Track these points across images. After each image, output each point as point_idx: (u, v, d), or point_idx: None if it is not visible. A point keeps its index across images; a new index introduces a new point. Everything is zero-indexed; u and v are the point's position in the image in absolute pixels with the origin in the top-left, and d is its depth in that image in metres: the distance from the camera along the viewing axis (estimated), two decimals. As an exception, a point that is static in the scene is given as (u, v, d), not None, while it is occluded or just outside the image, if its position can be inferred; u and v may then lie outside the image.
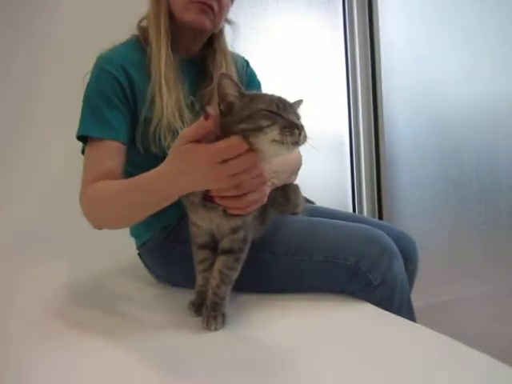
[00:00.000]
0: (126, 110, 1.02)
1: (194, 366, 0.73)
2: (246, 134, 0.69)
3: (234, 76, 1.16)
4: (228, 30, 1.20)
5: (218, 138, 0.70)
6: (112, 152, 0.99)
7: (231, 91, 0.73)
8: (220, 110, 0.73)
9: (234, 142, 0.68)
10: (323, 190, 2.05)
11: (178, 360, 0.75)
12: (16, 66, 1.58)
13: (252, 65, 1.31)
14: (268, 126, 0.69)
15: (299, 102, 0.82)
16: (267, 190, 0.87)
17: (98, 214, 0.95)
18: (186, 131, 0.72)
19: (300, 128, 0.71)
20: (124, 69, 1.02)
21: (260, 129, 0.69)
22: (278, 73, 1.91)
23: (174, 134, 1.01)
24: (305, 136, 0.73)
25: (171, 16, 1.07)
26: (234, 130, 0.70)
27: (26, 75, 1.59)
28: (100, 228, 0.96)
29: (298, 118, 0.76)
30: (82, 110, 1.02)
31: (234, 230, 0.88)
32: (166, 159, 0.77)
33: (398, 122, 2.17)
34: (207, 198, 0.83)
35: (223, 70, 1.14)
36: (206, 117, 0.69)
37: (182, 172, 0.74)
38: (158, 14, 1.06)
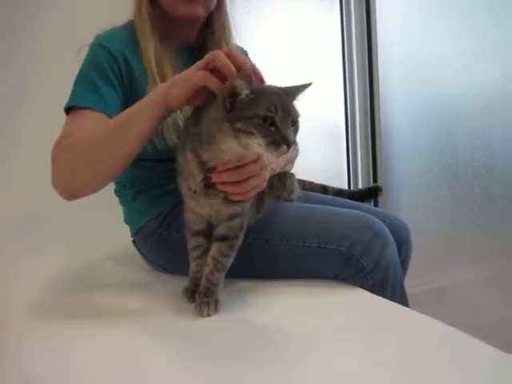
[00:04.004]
0: (121, 88, 1.00)
1: (186, 351, 0.74)
2: (240, 133, 0.72)
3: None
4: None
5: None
6: (89, 118, 0.94)
7: (243, 91, 0.73)
8: (223, 104, 0.74)
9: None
10: (319, 176, 2.04)
11: (171, 345, 0.76)
12: (14, 61, 1.57)
13: (247, 50, 1.30)
14: (257, 137, 0.71)
15: (304, 86, 0.80)
16: (267, 175, 0.88)
17: (71, 162, 0.88)
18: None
19: (289, 143, 0.72)
20: (123, 54, 1.01)
21: (251, 134, 0.71)
22: (273, 59, 1.89)
23: (175, 124, 1.00)
24: (294, 147, 0.75)
25: (162, 9, 1.06)
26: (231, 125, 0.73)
27: (25, 70, 1.58)
28: (72, 191, 0.90)
29: (297, 116, 0.76)
30: (76, 82, 0.99)
31: (232, 217, 0.88)
32: None
33: (394, 109, 2.16)
34: (209, 185, 0.83)
35: (224, 47, 1.11)
36: None
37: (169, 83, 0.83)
38: (140, 14, 1.05)
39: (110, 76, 0.98)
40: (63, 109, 0.97)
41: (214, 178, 0.81)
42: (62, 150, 0.90)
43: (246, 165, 0.80)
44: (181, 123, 1.00)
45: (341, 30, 2.20)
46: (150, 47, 1.02)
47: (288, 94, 0.77)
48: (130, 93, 1.02)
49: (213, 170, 0.81)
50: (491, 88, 1.93)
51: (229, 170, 0.80)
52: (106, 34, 1.04)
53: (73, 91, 0.98)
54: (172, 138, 1.00)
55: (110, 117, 0.95)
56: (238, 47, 1.25)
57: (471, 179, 2.00)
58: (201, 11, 1.06)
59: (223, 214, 0.88)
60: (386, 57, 2.15)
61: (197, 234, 0.93)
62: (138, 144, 0.87)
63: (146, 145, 0.92)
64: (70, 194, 0.91)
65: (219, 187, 0.82)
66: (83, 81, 0.99)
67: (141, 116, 0.85)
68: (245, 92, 0.73)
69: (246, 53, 1.29)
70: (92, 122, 0.92)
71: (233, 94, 0.73)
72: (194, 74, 0.79)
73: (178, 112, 0.99)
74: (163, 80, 0.99)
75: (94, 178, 0.90)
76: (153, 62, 1.01)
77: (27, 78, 1.56)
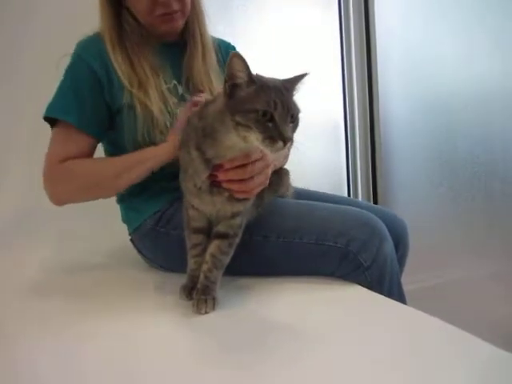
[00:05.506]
0: (97, 104, 1.03)
1: (183, 349, 0.74)
2: (238, 126, 0.73)
3: (210, 42, 1.15)
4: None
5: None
6: (72, 138, 1.03)
7: (240, 74, 0.73)
8: (225, 89, 0.75)
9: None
10: (318, 174, 2.05)
11: (169, 343, 0.76)
12: (14, 61, 1.57)
13: (245, 47, 1.29)
14: (254, 131, 0.72)
15: (301, 76, 0.81)
16: (269, 172, 0.89)
17: (70, 191, 1.04)
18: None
19: (286, 140, 0.72)
20: (102, 57, 1.03)
21: (249, 128, 0.72)
22: (271, 56, 1.89)
23: (166, 126, 1.03)
24: (291, 144, 0.74)
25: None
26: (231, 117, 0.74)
27: (25, 71, 1.58)
28: (64, 203, 1.05)
29: (297, 112, 0.76)
30: (55, 93, 1.04)
31: (234, 215, 0.89)
32: None
33: (393, 106, 2.16)
34: (215, 183, 0.84)
35: (196, 34, 1.12)
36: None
37: None
38: (102, 24, 1.06)
39: (84, 90, 1.02)
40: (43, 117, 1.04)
41: (220, 176, 0.82)
42: (59, 180, 1.04)
43: (252, 163, 0.81)
44: (167, 123, 1.03)
45: (339, 27, 2.19)
46: (116, 55, 1.03)
47: (287, 88, 0.77)
48: (112, 101, 1.04)
49: (218, 167, 0.82)
50: (490, 85, 1.93)
51: (235, 168, 0.81)
52: (86, 43, 1.06)
53: (55, 102, 1.03)
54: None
55: (87, 134, 1.04)
56: (224, 41, 1.26)
57: (471, 176, 2.00)
58: (180, 23, 1.08)
59: (226, 212, 0.89)
60: (384, 54, 2.14)
61: (197, 231, 0.93)
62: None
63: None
64: (60, 203, 1.06)
65: (225, 185, 0.83)
66: (60, 94, 1.04)
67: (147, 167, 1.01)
68: (240, 75, 0.73)
69: (233, 47, 1.29)
70: (80, 145, 1.04)
71: (231, 75, 0.73)
72: (183, 111, 0.99)
73: (164, 112, 1.03)
74: (141, 83, 1.02)
75: (89, 200, 1.08)
76: (120, 72, 1.02)
77: (27, 79, 1.56)
